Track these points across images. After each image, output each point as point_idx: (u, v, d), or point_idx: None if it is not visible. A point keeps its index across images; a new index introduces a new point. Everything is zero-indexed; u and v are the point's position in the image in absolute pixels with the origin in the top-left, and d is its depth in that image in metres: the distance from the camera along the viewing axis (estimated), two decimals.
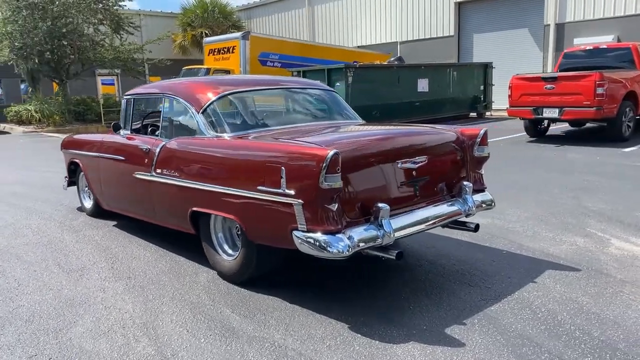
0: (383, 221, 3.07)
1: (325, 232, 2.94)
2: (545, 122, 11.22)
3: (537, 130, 11.45)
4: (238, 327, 3.08)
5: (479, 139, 3.93)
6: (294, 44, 20.65)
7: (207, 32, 26.61)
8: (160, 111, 4.38)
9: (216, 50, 19.32)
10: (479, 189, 3.99)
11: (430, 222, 3.49)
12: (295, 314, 3.23)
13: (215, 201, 3.58)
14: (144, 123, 4.88)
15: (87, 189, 5.77)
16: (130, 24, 20.77)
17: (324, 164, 2.86)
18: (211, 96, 3.93)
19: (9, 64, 19.31)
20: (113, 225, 5.42)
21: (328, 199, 2.94)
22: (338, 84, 13.57)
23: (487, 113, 18.22)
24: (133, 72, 22.48)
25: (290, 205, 3.03)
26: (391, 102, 14.82)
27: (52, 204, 6.56)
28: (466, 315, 3.17)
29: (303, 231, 2.99)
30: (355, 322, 3.11)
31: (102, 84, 28.60)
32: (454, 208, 3.66)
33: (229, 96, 4.03)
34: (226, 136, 3.74)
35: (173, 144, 4.04)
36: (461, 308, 3.27)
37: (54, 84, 22.42)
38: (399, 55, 23.53)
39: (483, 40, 21.18)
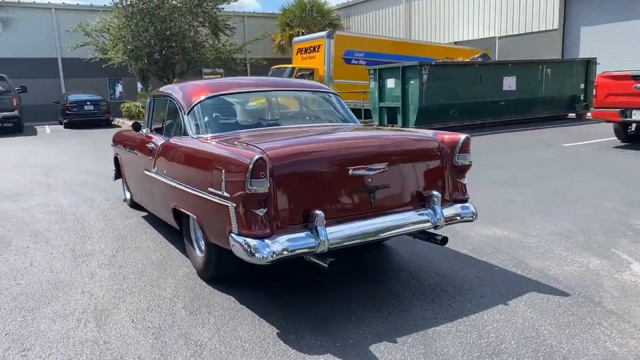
0: (318, 229, 3.01)
1: (254, 237, 2.95)
2: (633, 125, 10.00)
3: (627, 135, 10.25)
4: (178, 323, 3.20)
5: (460, 147, 3.67)
6: (381, 41, 20.42)
7: (304, 31, 27.23)
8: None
9: (303, 49, 19.73)
10: (460, 199, 3.73)
11: (386, 232, 3.34)
12: (236, 315, 3.28)
13: (184, 199, 3.75)
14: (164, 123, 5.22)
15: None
16: (226, 26, 21.91)
17: (249, 169, 2.87)
18: (197, 98, 4.11)
19: (122, 64, 21.34)
20: (142, 217, 5.85)
21: (255, 203, 2.95)
22: (412, 82, 13.24)
23: (588, 114, 16.61)
24: (234, 71, 23.79)
25: (227, 207, 3.09)
26: (472, 102, 14.11)
27: (106, 193, 7.22)
28: (404, 332, 3.00)
29: (235, 234, 3.03)
30: (288, 328, 3.09)
31: None
32: (421, 219, 3.46)
33: (214, 98, 4.15)
34: (206, 137, 3.88)
35: (167, 143, 4.28)
36: (404, 325, 3.10)
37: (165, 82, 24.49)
38: (496, 51, 22.33)
39: (592, 34, 19.33)
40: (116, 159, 6.45)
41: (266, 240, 2.94)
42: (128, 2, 20.08)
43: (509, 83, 14.67)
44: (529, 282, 3.69)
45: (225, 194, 3.09)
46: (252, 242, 2.93)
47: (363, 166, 3.29)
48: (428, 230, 3.56)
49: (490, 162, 8.92)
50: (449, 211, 3.60)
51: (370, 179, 3.32)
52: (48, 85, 25.81)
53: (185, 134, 4.04)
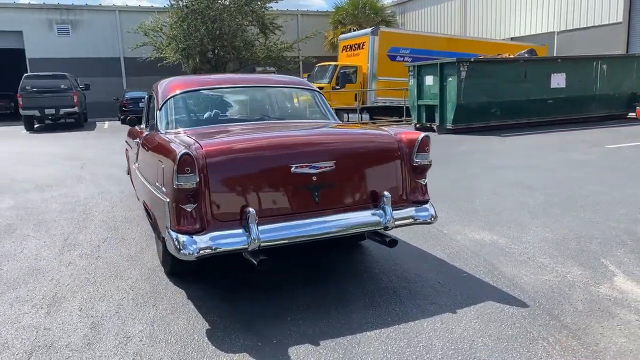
0: (250, 226, 2.98)
1: (184, 233, 2.96)
2: None
3: None
4: (120, 314, 3.27)
5: (417, 146, 3.51)
6: (427, 37, 19.90)
7: (356, 28, 27.06)
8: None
9: (348, 46, 19.60)
10: (419, 200, 3.56)
11: (328, 232, 3.25)
12: (178, 310, 3.31)
13: (146, 194, 3.83)
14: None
15: None
16: (273, 24, 22.17)
17: (175, 165, 2.89)
18: (170, 94, 4.17)
19: (175, 63, 22.13)
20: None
21: (183, 199, 2.96)
22: (450, 79, 12.83)
23: None
24: (283, 69, 24.08)
25: (165, 203, 3.12)
26: (515, 100, 13.48)
27: (124, 187, 7.51)
28: (332, 336, 2.91)
29: (169, 229, 3.06)
30: (220, 325, 3.08)
31: None
32: (370, 219, 3.34)
33: (186, 94, 4.19)
34: (173, 132, 3.93)
35: (144, 138, 4.38)
36: (337, 328, 3.00)
37: None
38: (554, 47, 21.19)
39: None
40: (126, 152, 6.70)
41: (195, 237, 2.95)
42: (183, 3, 20.82)
43: (558, 80, 13.87)
44: (491, 291, 3.47)
45: (163, 189, 3.13)
46: (182, 238, 2.94)
47: (307, 164, 3.22)
48: (380, 231, 3.43)
49: (518, 163, 8.49)
50: (402, 213, 3.45)
51: (314, 177, 3.24)
52: (112, 84, 27.17)
53: (157, 129, 4.12)
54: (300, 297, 3.43)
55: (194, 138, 3.39)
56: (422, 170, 3.57)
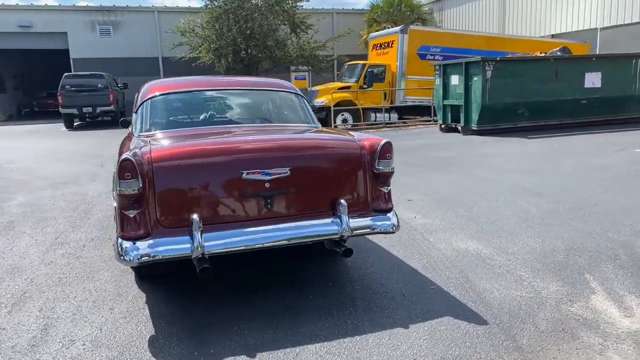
0: (193, 234, 2.95)
1: (127, 239, 2.96)
2: None
3: None
4: (75, 316, 3.30)
5: (379, 152, 3.38)
6: (459, 35, 19.36)
7: (390, 26, 26.73)
8: None
9: (378, 45, 19.36)
10: (381, 209, 3.43)
11: (280, 241, 3.17)
12: (132, 314, 3.31)
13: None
14: None
15: None
16: (302, 23, 22.15)
17: (116, 170, 2.89)
18: (145, 97, 4.19)
19: (208, 63, 22.48)
20: None
21: (125, 204, 2.95)
22: (475, 78, 12.43)
23: None
24: (316, 68, 24.08)
25: (114, 208, 3.13)
26: (545, 100, 12.93)
27: None
28: (270, 348, 2.84)
29: (117, 235, 3.06)
30: (164, 332, 3.06)
31: (295, 79, 31.16)
32: (325, 228, 3.24)
33: (161, 97, 4.17)
34: (144, 135, 3.92)
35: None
36: (278, 340, 2.93)
37: None
38: (597, 44, 20.24)
39: None
40: None
41: (137, 243, 2.93)
42: (217, 4, 21.13)
43: (593, 79, 13.22)
44: (454, 306, 3.31)
45: (114, 193, 3.13)
46: (125, 244, 2.94)
47: (259, 170, 3.15)
48: (336, 240, 3.32)
49: (533, 167, 8.13)
50: (361, 221, 3.34)
51: (267, 183, 3.17)
52: None
53: (132, 132, 4.15)
54: (257, 305, 3.37)
55: (154, 142, 3.39)
56: (384, 177, 3.44)
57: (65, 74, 20.49)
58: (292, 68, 29.61)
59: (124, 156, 2.90)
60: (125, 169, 2.88)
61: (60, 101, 19.49)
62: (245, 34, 21.13)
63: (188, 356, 2.78)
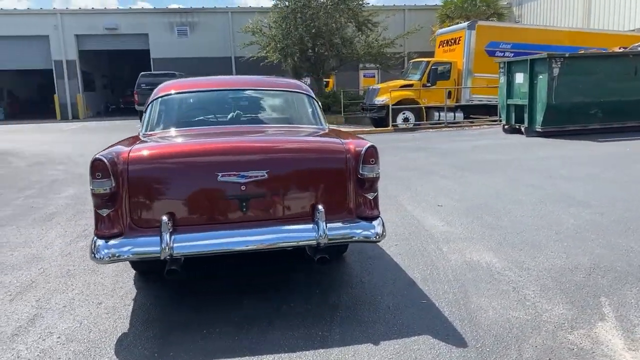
0: (162, 234, 2.95)
1: (101, 237, 3.01)
2: None
3: None
4: (64, 310, 3.42)
5: (362, 157, 3.20)
6: (532, 30, 18.23)
7: (463, 22, 25.80)
8: None
9: (445, 42, 18.70)
10: (365, 216, 3.26)
11: (254, 245, 3.10)
12: (113, 310, 3.38)
13: None
14: None
15: None
16: (367, 21, 21.87)
17: (89, 169, 2.95)
18: (153, 97, 4.27)
19: (275, 62, 22.85)
20: None
21: (98, 203, 3.00)
22: (540, 76, 11.64)
23: None
24: (384, 65, 23.75)
25: None
26: (621, 100, 11.87)
27: None
28: (226, 356, 2.78)
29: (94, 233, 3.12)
30: (134, 331, 3.08)
31: (364, 76, 30.94)
32: (302, 235, 3.12)
33: (168, 97, 4.22)
34: (148, 134, 4.00)
35: None
36: (238, 348, 2.86)
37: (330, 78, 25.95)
38: None
39: None
40: None
41: (110, 242, 2.98)
42: (285, 4, 21.42)
43: None
44: (439, 324, 3.07)
45: None
46: (98, 242, 2.99)
47: (235, 173, 3.09)
48: (315, 247, 3.19)
49: (587, 174, 7.47)
50: (340, 229, 3.18)
51: (243, 186, 3.10)
52: None
53: (139, 131, 4.24)
54: (236, 310, 3.32)
55: (144, 142, 3.44)
56: (368, 183, 3.26)
57: (142, 73, 21.67)
58: (361, 66, 29.49)
59: (96, 156, 2.96)
60: (96, 168, 2.93)
61: (137, 99, 20.64)
62: (311, 32, 21.24)
63: (149, 357, 2.79)
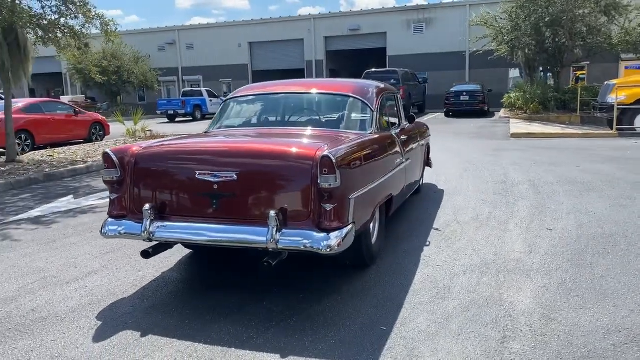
0: (144, 220, 3.42)
1: (110, 216, 3.64)
2: None
3: None
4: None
5: (319, 166, 3.07)
6: None
7: None
8: None
9: None
10: (325, 227, 3.13)
11: (216, 241, 3.34)
12: (106, 296, 4.01)
13: None
14: None
15: None
16: (614, 4, 18.41)
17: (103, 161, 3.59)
18: (226, 99, 4.81)
19: (502, 55, 21.30)
20: None
21: (110, 189, 3.63)
22: None
23: None
24: None
25: None
26: None
27: None
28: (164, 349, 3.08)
29: None
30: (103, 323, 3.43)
31: (625, 68, 26.20)
32: (254, 238, 3.21)
33: (233, 100, 4.72)
34: (208, 132, 4.57)
35: None
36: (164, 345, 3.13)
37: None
38: None
39: None
40: None
41: (116, 221, 3.59)
42: None
43: None
44: (363, 355, 2.77)
45: None
46: (108, 220, 3.64)
47: (209, 172, 3.35)
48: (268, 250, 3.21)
49: None
50: (293, 236, 3.13)
51: (216, 185, 3.34)
52: (456, 77, 28.29)
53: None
54: (203, 303, 3.53)
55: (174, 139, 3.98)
56: (326, 194, 3.10)
57: (366, 71, 22.86)
58: (622, 57, 25.11)
59: (105, 150, 3.59)
60: (105, 160, 3.56)
61: None
62: (544, 21, 19.10)
63: (104, 349, 3.18)
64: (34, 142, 13.34)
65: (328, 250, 3.07)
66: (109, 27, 11.30)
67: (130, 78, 31.29)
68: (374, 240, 4.18)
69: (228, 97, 4.79)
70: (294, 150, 3.38)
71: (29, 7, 10.38)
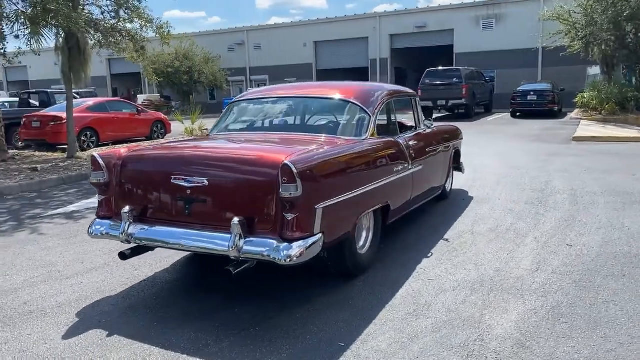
0: (122, 222, 3.52)
1: (98, 217, 3.78)
2: None
3: None
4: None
5: (279, 174, 3.00)
6: None
7: None
8: None
9: None
10: (288, 238, 3.08)
11: (182, 246, 3.39)
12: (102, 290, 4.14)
13: None
14: None
15: None
16: None
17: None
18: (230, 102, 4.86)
19: (575, 52, 19.94)
20: None
21: (98, 191, 3.76)
22: None
23: None
24: None
25: None
26: None
27: None
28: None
29: None
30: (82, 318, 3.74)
31: None
32: (216, 245, 3.21)
33: (236, 103, 4.76)
34: (214, 135, 4.65)
35: None
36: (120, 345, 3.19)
37: None
38: None
39: None
40: None
41: (101, 221, 3.72)
42: None
43: None
44: None
45: None
46: (95, 220, 3.78)
47: (183, 177, 3.40)
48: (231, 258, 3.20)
49: None
50: (255, 245, 3.10)
51: (189, 190, 3.37)
52: (526, 75, 26.87)
53: None
54: (174, 305, 3.60)
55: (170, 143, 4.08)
56: (286, 203, 3.03)
57: (427, 70, 22.28)
58: None
59: (92, 154, 3.72)
60: (92, 163, 3.70)
61: (420, 94, 21.48)
62: (623, 15, 17.67)
63: (69, 346, 3.40)
64: (99, 140, 14.20)
65: (287, 260, 3.01)
66: (163, 30, 11.82)
67: (200, 78, 32.51)
68: (364, 249, 4.06)
69: (232, 100, 4.85)
70: (259, 158, 3.35)
71: (90, 13, 11.07)
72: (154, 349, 2.99)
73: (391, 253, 4.53)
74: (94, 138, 14.12)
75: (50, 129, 13.45)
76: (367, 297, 3.62)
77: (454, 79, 21.08)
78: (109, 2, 10.95)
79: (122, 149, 3.89)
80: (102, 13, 11.14)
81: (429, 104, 21.28)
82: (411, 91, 5.62)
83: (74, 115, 11.92)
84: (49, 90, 18.71)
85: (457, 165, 6.90)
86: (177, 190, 3.42)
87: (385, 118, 4.69)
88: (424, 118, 5.61)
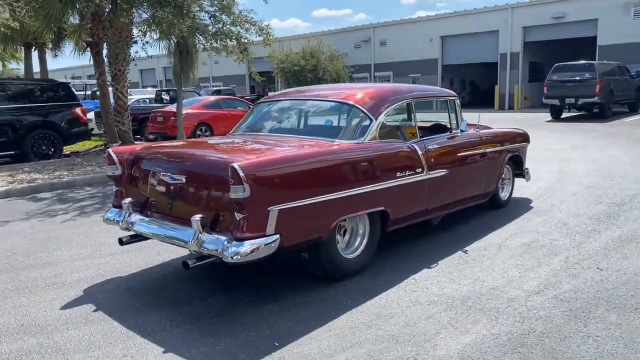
0: (122, 213, 3.97)
1: (113, 206, 4.28)
2: None
3: None
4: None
5: (229, 175, 3.16)
6: None
7: None
8: None
9: None
10: (240, 237, 3.24)
11: (161, 236, 3.70)
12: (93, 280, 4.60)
13: None
14: None
15: None
16: None
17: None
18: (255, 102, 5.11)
19: None
20: None
21: (114, 183, 4.26)
22: None
23: None
24: None
25: None
26: None
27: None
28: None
29: None
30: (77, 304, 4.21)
31: None
32: (182, 239, 3.47)
33: (256, 105, 5.00)
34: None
35: None
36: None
37: None
38: None
39: None
40: None
41: (113, 209, 4.22)
42: None
43: None
44: None
45: None
46: (110, 208, 4.29)
47: (169, 174, 3.74)
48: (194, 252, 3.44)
49: None
50: (212, 241, 3.31)
51: (172, 186, 3.70)
52: None
53: None
54: (150, 297, 3.94)
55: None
56: (238, 204, 3.20)
57: (556, 64, 20.39)
58: None
59: (109, 150, 4.21)
60: (108, 157, 4.19)
61: (545, 91, 19.77)
62: None
63: (46, 338, 3.90)
64: (212, 134, 15.51)
65: (235, 257, 3.16)
66: (264, 33, 12.54)
67: (324, 75, 33.47)
68: (354, 254, 4.05)
69: (258, 101, 5.10)
70: (216, 160, 3.56)
71: (200, 18, 12.14)
72: (117, 325, 3.36)
73: (396, 259, 4.42)
74: (208, 132, 15.45)
75: (171, 123, 15.04)
76: (334, 301, 3.62)
77: (587, 75, 19.00)
78: (214, 9, 11.89)
79: (138, 146, 4.34)
80: (210, 18, 12.14)
81: (556, 102, 19.54)
82: (445, 92, 5.34)
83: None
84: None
85: (519, 172, 6.38)
86: (165, 186, 3.77)
87: (397, 121, 4.57)
88: (462, 120, 5.30)
